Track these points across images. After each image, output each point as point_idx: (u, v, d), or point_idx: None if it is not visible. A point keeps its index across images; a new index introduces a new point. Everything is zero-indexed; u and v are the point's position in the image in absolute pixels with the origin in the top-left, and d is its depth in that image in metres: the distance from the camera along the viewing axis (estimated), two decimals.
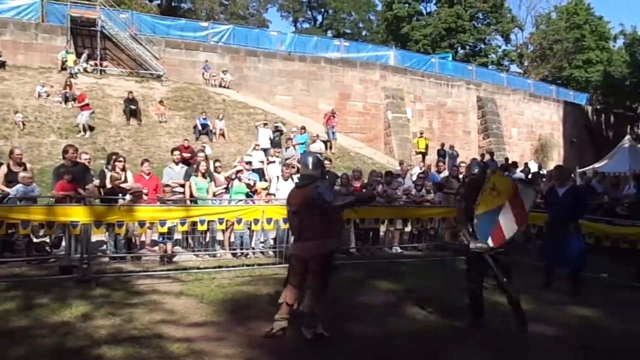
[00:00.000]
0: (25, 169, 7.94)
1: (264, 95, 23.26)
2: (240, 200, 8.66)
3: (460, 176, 11.10)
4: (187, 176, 8.98)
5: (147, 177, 8.73)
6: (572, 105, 35.15)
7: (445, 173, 12.59)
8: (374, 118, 25.29)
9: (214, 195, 8.95)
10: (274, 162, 13.07)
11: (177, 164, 9.51)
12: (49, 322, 4.88)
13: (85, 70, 20.58)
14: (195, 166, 9.18)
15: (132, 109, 18.17)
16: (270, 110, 21.73)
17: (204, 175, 8.89)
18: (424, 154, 21.51)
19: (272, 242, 8.75)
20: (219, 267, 7.56)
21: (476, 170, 5.31)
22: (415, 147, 22.95)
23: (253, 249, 8.63)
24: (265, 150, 14.88)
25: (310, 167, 4.86)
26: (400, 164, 13.80)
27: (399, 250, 9.61)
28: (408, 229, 9.84)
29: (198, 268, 7.48)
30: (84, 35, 21.48)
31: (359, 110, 25.08)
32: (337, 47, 26.71)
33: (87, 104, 17.02)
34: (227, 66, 22.81)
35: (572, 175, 12.51)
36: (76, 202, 7.06)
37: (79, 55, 20.63)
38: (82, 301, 5.53)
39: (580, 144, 33.40)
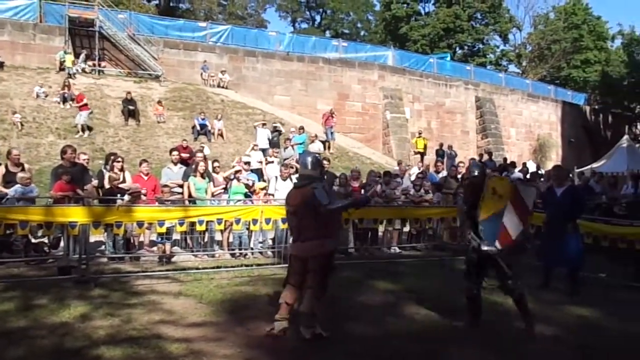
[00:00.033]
0: (23, 170, 7.92)
1: (263, 95, 23.25)
2: (239, 201, 8.66)
3: (459, 176, 11.13)
4: (185, 176, 8.97)
5: (145, 178, 8.71)
6: (570, 105, 35.19)
7: (444, 173, 12.60)
8: (373, 118, 25.29)
9: (213, 195, 8.95)
10: (272, 162, 13.07)
11: (175, 164, 9.50)
12: (48, 322, 4.87)
13: (83, 70, 20.54)
14: (193, 166, 9.18)
15: (130, 110, 18.15)
16: (269, 110, 21.72)
17: (202, 176, 8.89)
18: (422, 154, 21.53)
19: (270, 242, 8.74)
20: (218, 267, 7.56)
21: (476, 173, 5.31)
22: (413, 147, 22.98)
23: (252, 249, 8.62)
24: (263, 151, 14.89)
25: (309, 167, 4.87)
26: (399, 164, 13.84)
27: (398, 250, 9.61)
28: (407, 229, 9.84)
29: (197, 268, 7.49)
30: (82, 35, 21.44)
31: (357, 111, 25.08)
32: (335, 47, 26.70)
33: (86, 104, 17.02)
34: (226, 66, 22.79)
35: (570, 175, 12.52)
36: (75, 203, 7.05)
37: (77, 56, 20.59)
38: (81, 302, 5.53)
39: (578, 144, 33.45)
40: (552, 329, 5.20)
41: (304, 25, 58.51)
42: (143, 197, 8.01)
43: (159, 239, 7.96)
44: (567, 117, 33.86)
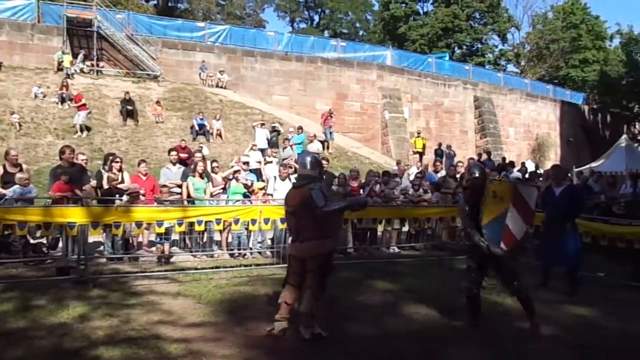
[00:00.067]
0: (21, 170, 7.92)
1: (261, 95, 23.24)
2: (238, 201, 8.65)
3: (458, 176, 11.14)
4: (184, 177, 8.96)
5: (144, 178, 8.71)
6: (569, 104, 35.23)
7: (443, 173, 12.61)
8: (371, 118, 25.29)
9: (212, 195, 8.95)
10: (271, 162, 13.05)
11: (174, 164, 9.50)
12: (46, 323, 4.87)
13: (81, 70, 20.50)
14: (192, 167, 9.17)
15: (128, 110, 18.13)
16: (268, 110, 21.71)
17: (201, 176, 8.88)
18: (421, 154, 21.55)
19: (269, 242, 8.74)
20: (217, 267, 7.56)
21: (477, 173, 5.32)
22: (412, 146, 22.99)
23: (250, 249, 8.62)
24: (262, 151, 14.88)
25: (308, 167, 4.86)
26: (398, 163, 13.84)
27: (397, 250, 9.61)
28: (405, 228, 9.83)
29: (195, 269, 7.48)
30: (80, 35, 21.40)
31: (356, 110, 25.08)
32: (334, 47, 26.68)
33: (84, 104, 16.99)
34: (224, 66, 22.78)
35: (569, 175, 12.53)
36: (73, 203, 7.04)
37: (75, 56, 20.54)
38: (80, 302, 5.52)
39: (577, 144, 33.48)
40: (551, 328, 5.19)
41: (303, 25, 58.53)
42: (142, 198, 8.01)
43: (158, 239, 7.96)
44: (565, 116, 33.90)
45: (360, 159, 20.49)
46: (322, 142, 19.39)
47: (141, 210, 7.20)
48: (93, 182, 8.34)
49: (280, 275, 5.55)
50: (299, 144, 16.73)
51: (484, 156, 17.52)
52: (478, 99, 28.89)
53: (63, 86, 17.97)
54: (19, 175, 7.62)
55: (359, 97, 25.23)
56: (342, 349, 4.45)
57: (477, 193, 5.09)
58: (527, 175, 13.61)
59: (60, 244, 7.24)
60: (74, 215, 6.51)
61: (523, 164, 17.08)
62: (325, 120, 20.52)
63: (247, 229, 8.27)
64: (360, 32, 57.19)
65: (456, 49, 41.59)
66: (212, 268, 7.50)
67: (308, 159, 4.94)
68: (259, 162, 13.39)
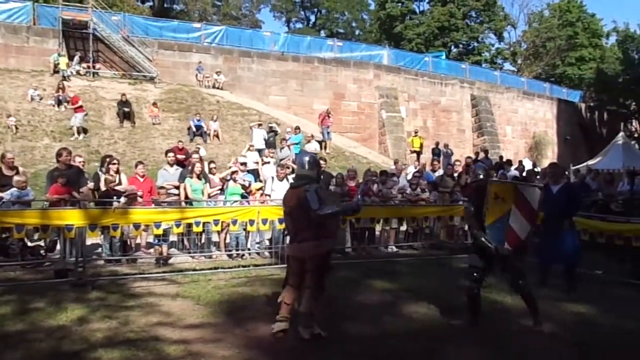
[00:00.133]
0: (17, 173, 7.90)
1: (258, 95, 23.23)
2: (236, 201, 8.65)
3: (455, 175, 11.15)
4: (181, 178, 8.96)
5: (141, 180, 8.70)
6: (566, 102, 35.31)
7: (440, 172, 12.62)
8: (369, 117, 25.31)
9: (209, 196, 8.93)
10: (268, 162, 13.07)
11: (171, 165, 9.49)
12: (45, 326, 4.86)
13: (77, 72, 20.47)
14: (190, 168, 9.17)
15: (125, 111, 18.11)
16: (265, 110, 21.71)
17: (198, 177, 8.88)
18: (418, 153, 21.55)
19: (267, 242, 8.74)
20: (215, 268, 7.55)
21: (482, 175, 5.32)
22: (409, 146, 23.01)
23: (249, 249, 8.61)
24: (259, 151, 14.88)
25: (306, 167, 4.86)
26: (395, 163, 13.83)
27: (395, 249, 9.61)
28: (403, 228, 9.84)
29: (194, 270, 7.47)
30: (76, 37, 21.35)
31: (353, 110, 25.09)
32: (330, 47, 26.71)
33: (81, 106, 16.93)
34: (221, 67, 22.77)
35: (566, 173, 12.55)
36: (70, 206, 7.03)
37: (71, 58, 20.52)
38: (78, 304, 5.52)
39: (574, 141, 33.54)
40: (549, 325, 5.20)
41: (299, 25, 58.57)
42: (139, 199, 7.99)
43: (156, 241, 7.95)
44: (562, 114, 33.97)
45: (358, 158, 20.50)
46: (320, 142, 19.39)
47: (139, 212, 7.20)
48: (90, 184, 8.32)
49: (279, 276, 5.56)
50: (296, 144, 16.74)
51: (481, 155, 17.52)
52: (475, 98, 28.94)
53: (59, 88, 17.94)
54: (16, 178, 7.61)
55: (356, 97, 25.25)
56: (340, 348, 4.46)
57: (482, 194, 5.12)
58: (524, 174, 13.61)
59: (58, 247, 7.23)
60: (72, 217, 6.50)
61: (520, 162, 17.07)
62: (323, 120, 20.52)
63: (245, 229, 8.26)
64: (357, 32, 57.24)
65: (453, 47, 41.62)
66: (210, 269, 7.49)
67: (306, 158, 4.93)
68: (257, 163, 13.40)
